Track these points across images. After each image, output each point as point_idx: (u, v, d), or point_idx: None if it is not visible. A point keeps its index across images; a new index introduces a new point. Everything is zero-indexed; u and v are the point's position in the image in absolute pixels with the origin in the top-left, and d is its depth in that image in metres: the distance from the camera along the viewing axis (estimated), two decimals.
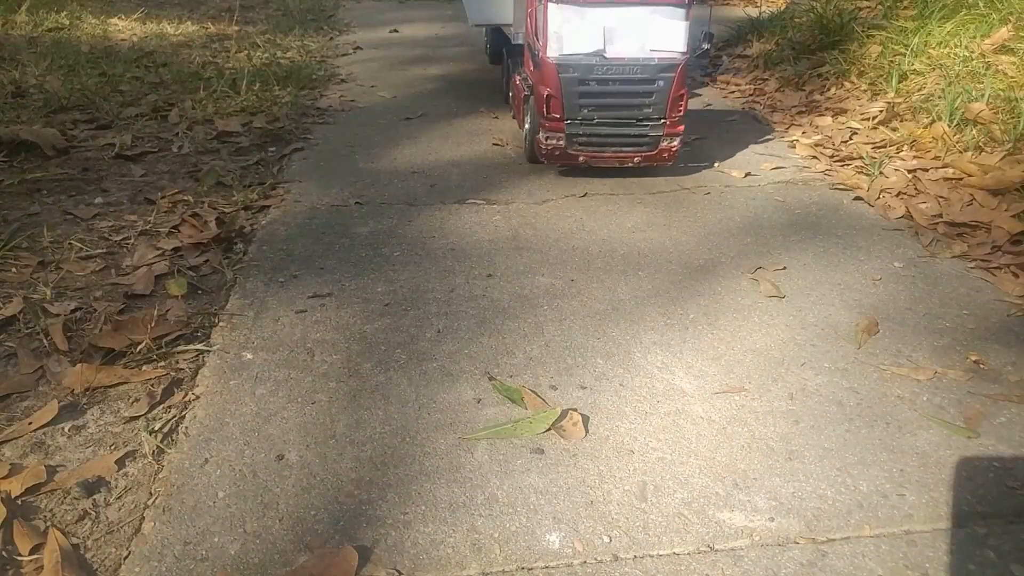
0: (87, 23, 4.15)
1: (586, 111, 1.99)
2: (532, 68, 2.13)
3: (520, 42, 2.38)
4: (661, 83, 1.95)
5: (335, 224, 1.88)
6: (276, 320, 1.46)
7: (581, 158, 2.06)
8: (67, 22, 4.12)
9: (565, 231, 1.85)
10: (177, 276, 1.60)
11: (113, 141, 2.39)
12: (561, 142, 2.03)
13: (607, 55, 1.92)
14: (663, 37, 1.91)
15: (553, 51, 1.93)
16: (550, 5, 1.89)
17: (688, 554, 0.95)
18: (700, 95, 3.08)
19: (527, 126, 2.22)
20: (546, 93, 1.97)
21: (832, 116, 2.65)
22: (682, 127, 2.04)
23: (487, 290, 1.58)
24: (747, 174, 2.20)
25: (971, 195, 1.96)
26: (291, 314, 1.48)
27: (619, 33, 1.91)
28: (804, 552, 0.96)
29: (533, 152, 2.15)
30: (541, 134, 2.05)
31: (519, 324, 1.45)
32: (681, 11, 1.92)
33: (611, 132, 2.02)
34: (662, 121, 2.00)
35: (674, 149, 2.07)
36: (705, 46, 2.11)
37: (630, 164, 2.08)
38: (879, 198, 2.03)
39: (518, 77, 2.36)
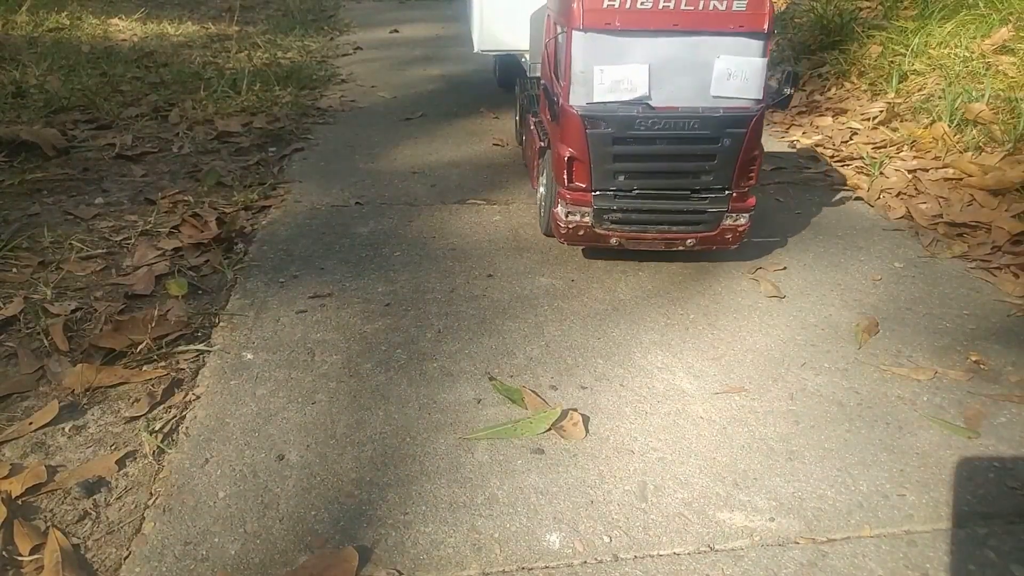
0: (87, 23, 4.16)
1: (623, 179, 1.50)
2: (549, 118, 1.61)
3: (538, 75, 1.86)
4: (727, 142, 1.45)
5: (335, 224, 1.88)
6: (276, 320, 1.46)
7: (613, 239, 1.56)
8: (67, 22, 4.12)
9: None
10: (177, 276, 1.60)
11: (113, 141, 2.39)
12: (587, 219, 1.54)
13: (653, 103, 1.42)
14: (733, 79, 1.41)
15: (579, 97, 1.43)
16: (575, 34, 1.40)
17: (688, 554, 0.95)
18: None
19: (542, 189, 1.74)
20: (568, 155, 1.47)
21: (832, 116, 2.65)
22: (752, 200, 1.54)
23: (487, 290, 1.58)
24: None
25: (971, 195, 1.96)
26: (291, 314, 1.48)
27: (670, 73, 1.41)
28: (804, 552, 0.96)
29: (551, 226, 1.65)
30: (560, 208, 1.55)
31: (519, 324, 1.45)
32: (758, 43, 1.40)
33: (656, 207, 1.53)
34: (727, 193, 1.50)
35: (740, 229, 1.56)
36: (787, 91, 1.51)
37: (680, 247, 1.58)
38: (879, 198, 2.03)
39: (533, 120, 1.86)
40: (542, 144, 1.68)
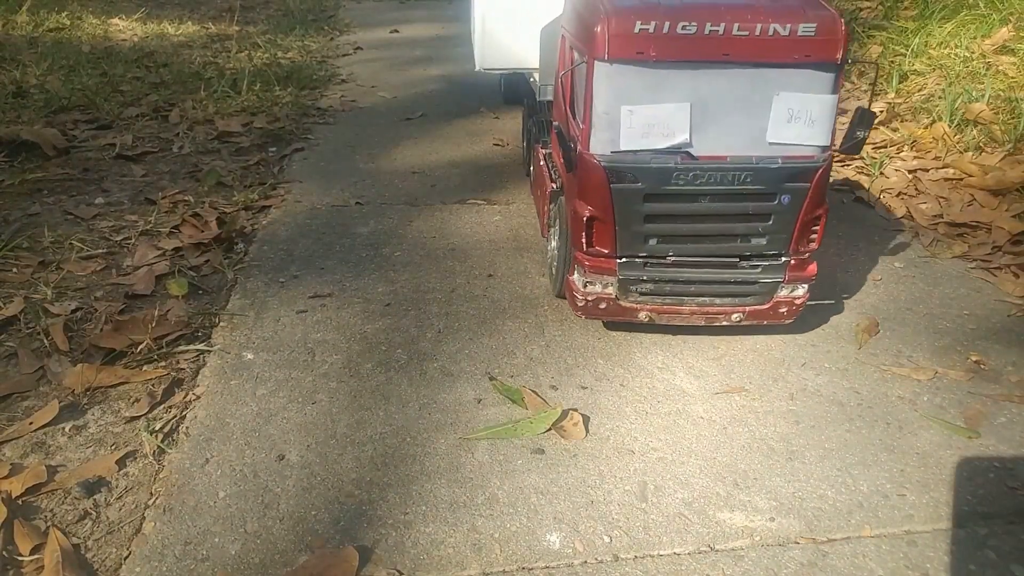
0: (88, 23, 4.16)
1: (655, 243, 1.24)
2: (564, 167, 1.30)
3: (550, 98, 1.57)
4: (787, 199, 1.20)
5: (336, 224, 1.88)
6: (277, 320, 1.46)
7: (643, 314, 1.31)
8: (68, 22, 4.13)
9: None
10: (178, 276, 1.60)
11: (114, 141, 2.39)
12: (610, 290, 1.28)
13: (695, 152, 1.17)
14: (795, 121, 1.16)
15: (601, 144, 1.18)
16: (599, 65, 1.13)
17: (688, 554, 0.95)
18: None
19: (554, 242, 1.46)
20: (587, 214, 1.22)
21: None
22: (813, 268, 1.28)
23: (487, 290, 1.58)
24: None
25: (971, 195, 1.96)
26: (292, 314, 1.48)
27: (717, 114, 1.16)
28: (804, 552, 0.96)
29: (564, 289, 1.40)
30: (577, 276, 1.30)
31: (519, 324, 1.45)
32: (828, 77, 1.15)
33: (696, 277, 1.28)
34: (784, 260, 1.26)
35: (798, 302, 1.30)
36: (860, 133, 1.25)
37: (724, 323, 1.32)
38: (879, 198, 2.03)
39: (543, 152, 1.60)
40: (554, 187, 1.42)
